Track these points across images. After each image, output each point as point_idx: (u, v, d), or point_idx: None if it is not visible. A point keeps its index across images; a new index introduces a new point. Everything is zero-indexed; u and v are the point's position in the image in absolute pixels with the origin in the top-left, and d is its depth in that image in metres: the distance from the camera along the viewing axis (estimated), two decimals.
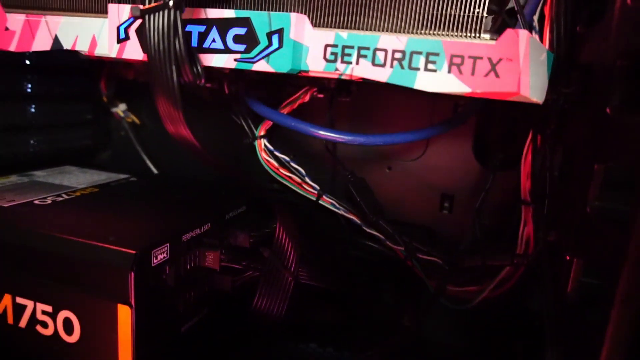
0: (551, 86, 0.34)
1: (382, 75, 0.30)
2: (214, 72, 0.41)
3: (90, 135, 0.58)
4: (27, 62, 0.52)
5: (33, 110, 0.53)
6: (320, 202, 0.48)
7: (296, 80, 0.48)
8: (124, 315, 0.31)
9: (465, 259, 0.41)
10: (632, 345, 0.20)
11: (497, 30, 0.30)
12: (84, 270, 0.32)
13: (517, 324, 0.42)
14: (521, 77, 0.28)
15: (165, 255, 0.33)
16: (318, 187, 0.48)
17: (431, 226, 0.51)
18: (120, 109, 0.56)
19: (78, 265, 0.32)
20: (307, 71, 0.32)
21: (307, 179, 0.48)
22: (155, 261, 0.32)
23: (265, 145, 0.48)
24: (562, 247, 0.33)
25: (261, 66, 0.32)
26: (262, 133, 0.48)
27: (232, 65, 0.32)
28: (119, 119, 0.57)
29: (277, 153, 0.48)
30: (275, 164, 0.48)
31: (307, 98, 0.47)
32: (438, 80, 0.29)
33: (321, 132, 0.40)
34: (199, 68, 0.29)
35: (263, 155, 0.48)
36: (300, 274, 0.40)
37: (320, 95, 0.48)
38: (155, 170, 0.58)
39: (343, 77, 0.31)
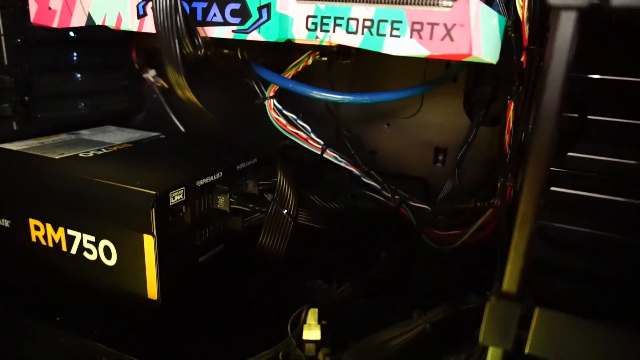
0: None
1: (354, 41, 0.35)
2: (228, 41, 0.47)
3: (126, 100, 0.66)
4: (72, 34, 0.59)
5: (79, 78, 0.61)
6: (324, 155, 0.54)
7: (300, 45, 0.53)
8: (149, 243, 0.38)
9: (440, 203, 0.45)
10: (526, 254, 0.25)
11: None
12: (118, 208, 0.39)
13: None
14: (472, 40, 0.32)
15: (181, 197, 0.40)
16: (322, 142, 0.54)
17: (426, 178, 0.55)
18: (150, 75, 0.63)
19: (112, 203, 0.39)
20: (292, 39, 0.37)
21: (313, 135, 0.54)
22: (172, 201, 0.39)
23: (274, 105, 0.54)
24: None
25: (254, 36, 0.37)
26: (271, 94, 0.54)
27: (230, 35, 0.38)
28: (150, 84, 0.65)
29: (285, 112, 0.54)
30: (284, 121, 0.54)
31: (309, 61, 0.52)
32: (402, 45, 0.34)
33: (314, 92, 0.45)
34: (199, 40, 0.35)
35: (272, 114, 0.54)
36: (299, 216, 0.46)
37: (323, 59, 0.53)
38: (182, 129, 0.65)
39: (323, 43, 0.36)
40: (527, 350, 0.26)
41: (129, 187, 0.39)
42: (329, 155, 0.54)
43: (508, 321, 0.26)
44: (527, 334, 0.26)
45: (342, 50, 0.53)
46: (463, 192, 0.50)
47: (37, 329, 0.41)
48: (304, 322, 0.35)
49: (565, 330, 0.26)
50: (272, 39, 0.37)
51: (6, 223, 0.46)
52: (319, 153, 0.54)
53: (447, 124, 0.53)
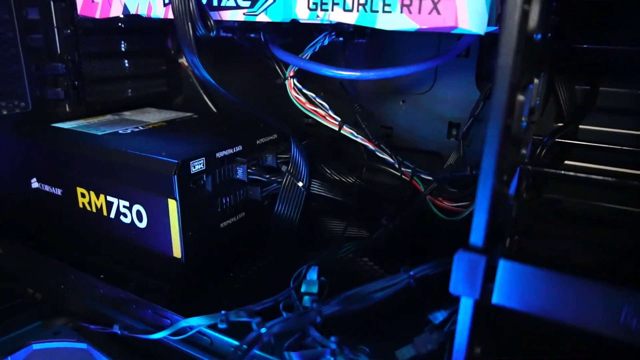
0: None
1: (351, 18, 0.37)
2: (255, 25, 0.50)
3: (165, 83, 0.72)
4: (120, 24, 0.65)
5: (123, 64, 0.68)
6: (341, 131, 0.57)
7: (319, 26, 0.56)
8: (172, 207, 0.43)
9: (440, 173, 0.47)
10: (490, 209, 0.27)
11: None
12: (148, 176, 0.44)
13: None
14: (458, 13, 0.34)
15: (202, 166, 0.45)
16: (339, 119, 0.57)
17: (440, 152, 0.57)
18: (185, 60, 0.68)
19: (143, 172, 0.44)
20: (297, 19, 0.40)
21: (330, 112, 0.57)
22: (193, 170, 0.44)
23: (294, 84, 0.57)
24: None
25: (262, 17, 0.41)
26: (291, 74, 0.57)
27: (242, 18, 0.41)
28: (185, 68, 0.70)
29: (305, 90, 0.57)
30: (303, 99, 0.57)
31: (326, 42, 0.55)
32: (393, 20, 0.36)
33: (324, 69, 0.48)
34: (212, 23, 0.39)
35: (293, 93, 0.58)
36: (312, 186, 0.50)
37: (340, 39, 0.55)
38: (215, 110, 0.70)
39: (324, 21, 0.39)
40: (494, 300, 0.28)
41: (156, 157, 0.44)
42: (346, 131, 0.57)
43: (474, 272, 0.28)
44: (493, 285, 0.28)
45: (358, 31, 0.56)
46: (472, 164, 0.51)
47: (83, 280, 0.47)
48: (304, 277, 0.38)
49: (529, 281, 0.27)
50: (279, 19, 0.40)
51: (58, 192, 0.52)
52: (337, 129, 0.57)
53: (460, 99, 0.54)
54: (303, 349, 0.34)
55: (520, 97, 0.29)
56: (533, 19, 0.27)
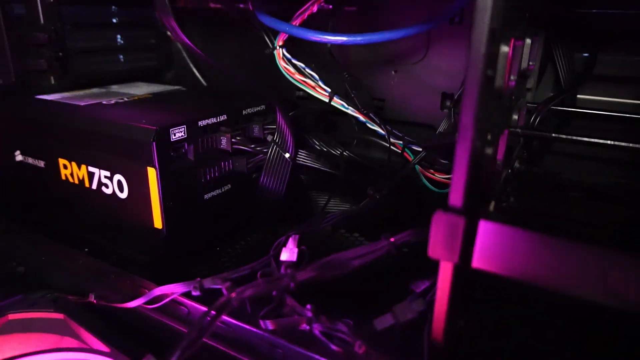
0: None
1: None
2: None
3: (155, 57, 0.70)
4: None
5: (110, 35, 0.66)
6: (332, 103, 0.55)
7: None
8: (152, 175, 0.42)
9: (428, 140, 0.45)
10: (468, 171, 0.25)
11: None
12: (128, 144, 0.43)
13: None
14: None
15: (182, 134, 0.43)
16: (329, 90, 0.55)
17: (434, 124, 0.55)
18: None
19: (123, 140, 0.43)
20: None
21: (320, 83, 0.55)
22: (174, 137, 0.43)
23: (283, 54, 0.56)
24: None
25: None
26: (280, 43, 0.55)
27: None
28: (174, 41, 0.68)
29: (294, 61, 0.55)
30: (292, 70, 0.56)
31: (314, 9, 0.52)
32: None
33: (310, 35, 0.46)
34: None
35: (282, 63, 0.56)
36: (298, 157, 0.48)
37: (328, 6, 0.53)
38: (204, 84, 0.68)
39: None
40: (474, 264, 0.27)
41: (136, 124, 0.43)
42: (336, 102, 0.55)
43: (453, 234, 0.26)
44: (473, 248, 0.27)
45: None
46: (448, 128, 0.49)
47: (65, 253, 0.46)
48: (284, 245, 0.37)
49: (511, 243, 0.26)
50: None
51: (41, 164, 0.51)
52: (327, 101, 0.55)
53: (454, 69, 0.52)
54: (280, 317, 0.33)
55: (504, 48, 0.27)
56: None
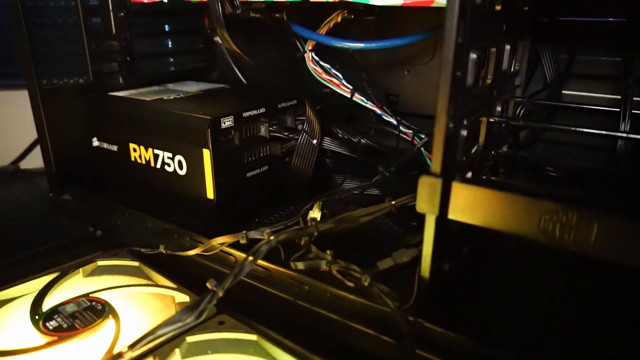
0: None
1: None
2: (278, 5, 0.59)
3: (203, 59, 0.82)
4: (164, 8, 0.75)
5: (167, 42, 0.78)
6: (353, 98, 0.65)
7: (333, 4, 0.63)
8: (207, 155, 0.53)
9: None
10: (444, 144, 0.35)
11: None
12: (187, 131, 0.54)
13: None
14: None
15: (230, 123, 0.54)
16: (351, 87, 0.65)
17: None
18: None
19: (183, 127, 0.54)
20: None
21: (344, 81, 0.65)
22: (224, 125, 0.53)
23: (312, 57, 0.66)
24: None
25: None
26: (310, 48, 0.65)
27: None
28: (219, 46, 0.79)
29: (321, 62, 0.65)
30: (320, 70, 0.66)
31: (339, 19, 0.62)
32: None
33: (333, 41, 0.56)
34: (237, 2, 0.48)
35: (310, 65, 0.66)
36: (323, 142, 0.58)
37: (350, 16, 0.63)
38: (245, 82, 0.79)
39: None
40: (449, 215, 0.36)
41: (193, 114, 0.54)
42: (357, 98, 0.65)
43: (433, 192, 0.36)
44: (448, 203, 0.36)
45: (367, 9, 0.64)
46: None
47: (135, 217, 0.58)
48: (310, 208, 0.47)
49: (474, 198, 0.35)
50: None
51: (114, 148, 0.63)
52: (349, 96, 0.65)
53: None
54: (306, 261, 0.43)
55: (473, 55, 0.36)
56: None
